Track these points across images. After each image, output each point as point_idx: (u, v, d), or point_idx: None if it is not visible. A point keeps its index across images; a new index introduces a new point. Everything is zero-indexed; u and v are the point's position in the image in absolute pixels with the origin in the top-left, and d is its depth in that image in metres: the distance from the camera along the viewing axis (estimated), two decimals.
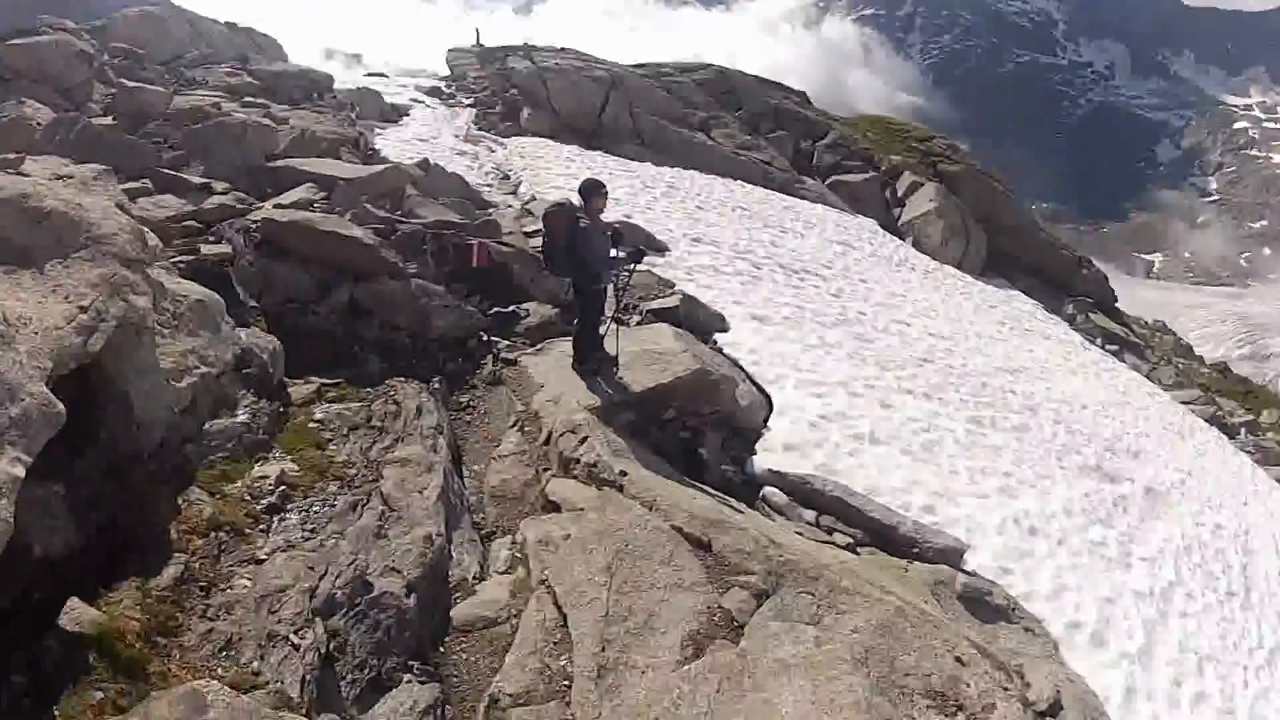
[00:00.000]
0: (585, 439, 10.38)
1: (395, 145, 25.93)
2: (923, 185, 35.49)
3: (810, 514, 11.91)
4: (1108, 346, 31.91)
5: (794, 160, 35.71)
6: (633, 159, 29.39)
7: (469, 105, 33.56)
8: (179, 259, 12.64)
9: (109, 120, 23.34)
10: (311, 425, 10.10)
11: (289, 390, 10.85)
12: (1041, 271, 36.98)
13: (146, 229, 9.45)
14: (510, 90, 33.54)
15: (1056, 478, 15.12)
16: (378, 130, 27.33)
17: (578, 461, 10.17)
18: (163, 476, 8.02)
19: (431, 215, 17.33)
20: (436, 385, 12.06)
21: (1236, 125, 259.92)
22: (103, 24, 33.55)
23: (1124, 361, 30.91)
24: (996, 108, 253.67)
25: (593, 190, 12.02)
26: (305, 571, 7.36)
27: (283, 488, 8.66)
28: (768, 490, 12.20)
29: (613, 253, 12.11)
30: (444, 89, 36.07)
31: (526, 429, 11.70)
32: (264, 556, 7.55)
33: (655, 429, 12.39)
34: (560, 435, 10.69)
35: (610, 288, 12.66)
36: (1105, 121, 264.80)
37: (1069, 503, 14.32)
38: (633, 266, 12.62)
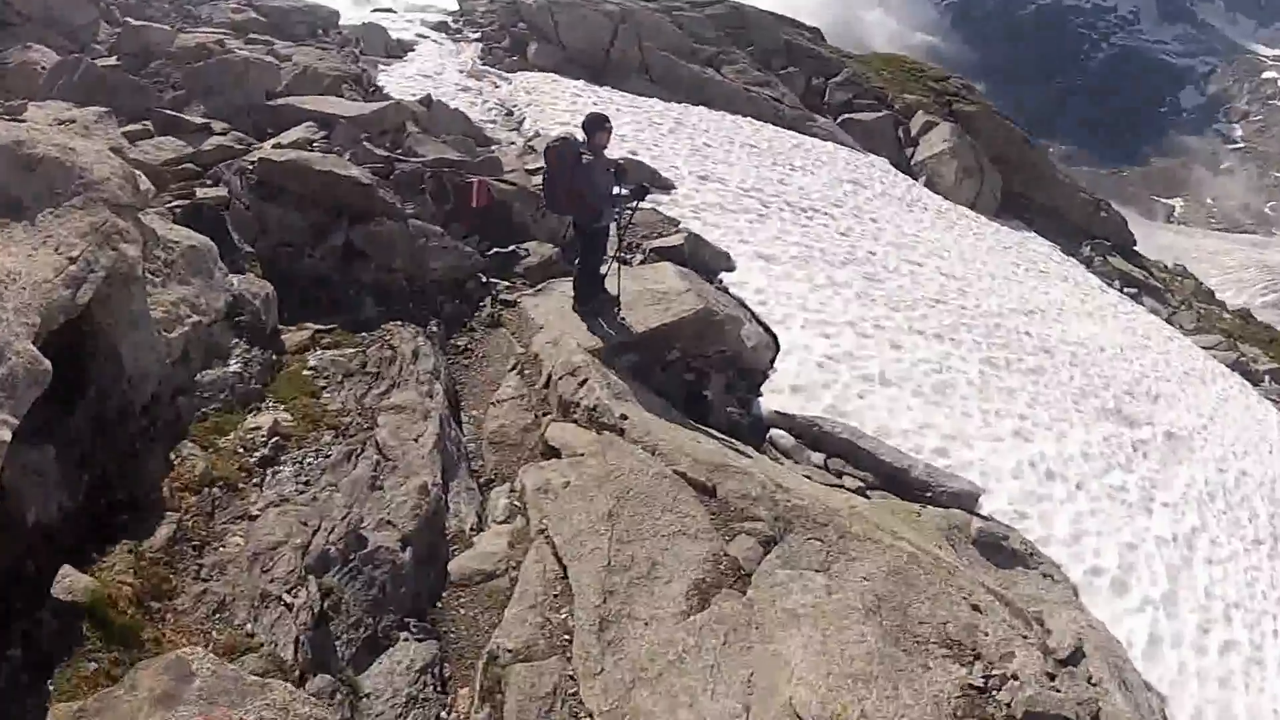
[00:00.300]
0: (585, 381, 10.11)
1: (399, 82, 25.40)
2: (937, 125, 34.67)
3: (819, 457, 11.72)
4: (1126, 290, 31.23)
5: (805, 98, 34.83)
6: (641, 94, 28.78)
7: (475, 40, 32.80)
8: (175, 203, 12.32)
9: (113, 61, 22.96)
10: (305, 373, 9.87)
11: (283, 337, 10.60)
12: (1058, 214, 36.23)
13: (140, 173, 9.15)
14: (518, 24, 32.82)
15: (1074, 421, 14.79)
16: (381, 66, 26.76)
17: (578, 405, 9.91)
18: (155, 432, 7.85)
19: (432, 153, 16.93)
20: (434, 329, 11.82)
21: (1265, 75, 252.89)
22: None
23: (1143, 305, 30.27)
24: (1015, 50, 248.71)
25: (596, 125, 11.66)
26: (298, 527, 7.17)
27: (276, 439, 8.46)
28: (774, 433, 12.02)
29: (616, 190, 11.79)
30: (451, 24, 35.28)
31: (526, 372, 11.44)
32: (257, 512, 7.37)
33: (659, 371, 12.21)
34: (560, 378, 10.42)
35: (613, 226, 12.29)
36: (1128, 66, 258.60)
37: (1087, 446, 14.01)
38: (635, 204, 12.31)
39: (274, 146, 16.03)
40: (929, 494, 11.35)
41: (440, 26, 34.36)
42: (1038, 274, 25.92)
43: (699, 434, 10.12)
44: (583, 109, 24.51)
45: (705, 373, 12.52)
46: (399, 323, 11.27)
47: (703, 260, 15.99)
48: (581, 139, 11.63)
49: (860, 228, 21.40)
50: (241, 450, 8.21)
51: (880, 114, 35.15)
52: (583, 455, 8.87)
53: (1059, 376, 16.63)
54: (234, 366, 9.23)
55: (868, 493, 11.07)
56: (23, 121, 9.09)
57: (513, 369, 11.56)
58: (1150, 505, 13.13)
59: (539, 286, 13.78)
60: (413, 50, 30.05)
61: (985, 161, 34.25)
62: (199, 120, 17.39)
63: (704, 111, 28.68)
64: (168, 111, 17.35)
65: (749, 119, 29.50)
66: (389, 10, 36.78)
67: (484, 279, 13.70)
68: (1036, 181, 36.70)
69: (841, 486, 10.98)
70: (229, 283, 9.88)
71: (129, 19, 25.25)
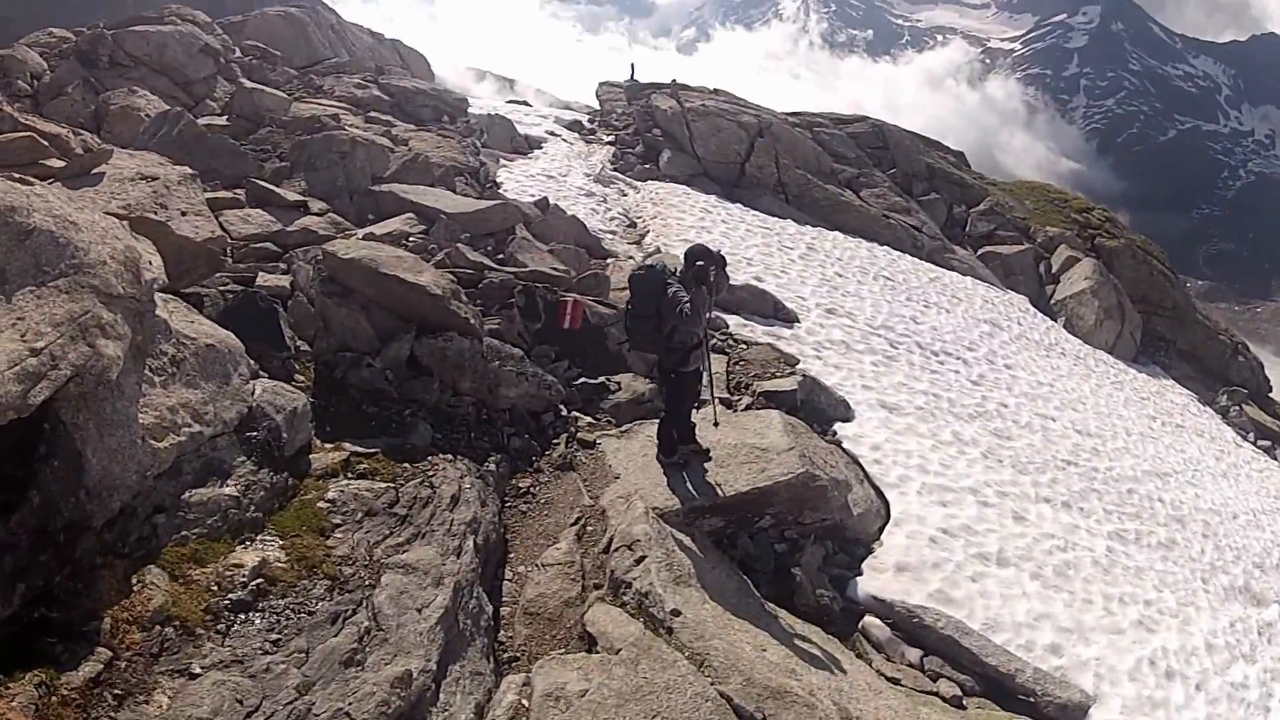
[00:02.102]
0: (642, 560, 8.92)
1: (519, 179, 25.06)
2: (1079, 261, 33.40)
3: (915, 653, 10.52)
4: (1260, 442, 29.16)
5: (945, 227, 33.95)
6: (773, 214, 28.02)
7: (608, 143, 32.49)
8: (229, 287, 11.70)
9: (223, 120, 23.10)
10: (321, 505, 8.90)
11: (312, 456, 9.70)
12: (1196, 357, 34.81)
13: (152, 258, 8.43)
14: (653, 130, 32.36)
15: (1201, 604, 13.68)
16: (503, 161, 26.44)
17: (629, 586, 8.72)
18: (120, 549, 7.10)
19: (534, 263, 16.19)
20: (492, 466, 10.81)
21: None
22: (240, 20, 33.77)
23: (1276, 459, 28.24)
24: (1156, 176, 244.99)
25: (704, 261, 10.36)
26: (230, 704, 6.10)
27: (259, 581, 7.55)
28: (869, 621, 10.79)
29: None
30: (585, 124, 35.16)
31: (589, 529, 10.32)
32: (199, 670, 6.39)
33: (746, 538, 11.06)
34: (616, 549, 9.26)
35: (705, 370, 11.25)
36: (1264, 193, 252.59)
37: (1212, 636, 12.89)
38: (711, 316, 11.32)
39: (365, 237, 15.60)
40: (1033, 701, 10.22)
41: (574, 125, 34.24)
42: (1174, 428, 24.49)
43: (767, 638, 8.79)
44: (711, 226, 24.19)
45: (800, 544, 11.32)
46: (450, 457, 10.30)
47: (818, 408, 14.81)
48: (675, 268, 10.58)
49: (994, 375, 20.38)
50: (215, 588, 7.31)
51: (1022, 247, 34.09)
52: (617, 655, 7.63)
53: (1190, 551, 15.52)
54: (230, 489, 8.28)
55: (964, 699, 9.89)
56: (30, 183, 8.43)
57: (575, 524, 10.46)
58: (1269, 702, 12.05)
59: (624, 428, 12.70)
60: (540, 148, 29.76)
61: (1126, 301, 32.96)
62: (295, 196, 17.08)
63: (838, 237, 27.86)
64: (263, 183, 17.00)
65: (885, 248, 28.62)
66: (524, 103, 36.89)
67: (563, 412, 12.72)
68: (1176, 323, 35.35)
69: (936, 693, 9.80)
70: (248, 391, 9.01)
71: (244, 80, 25.42)
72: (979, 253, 33.25)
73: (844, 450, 13.71)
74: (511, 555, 10.18)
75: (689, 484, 10.95)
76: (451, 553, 8.56)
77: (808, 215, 29.16)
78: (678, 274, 10.42)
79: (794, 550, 11.19)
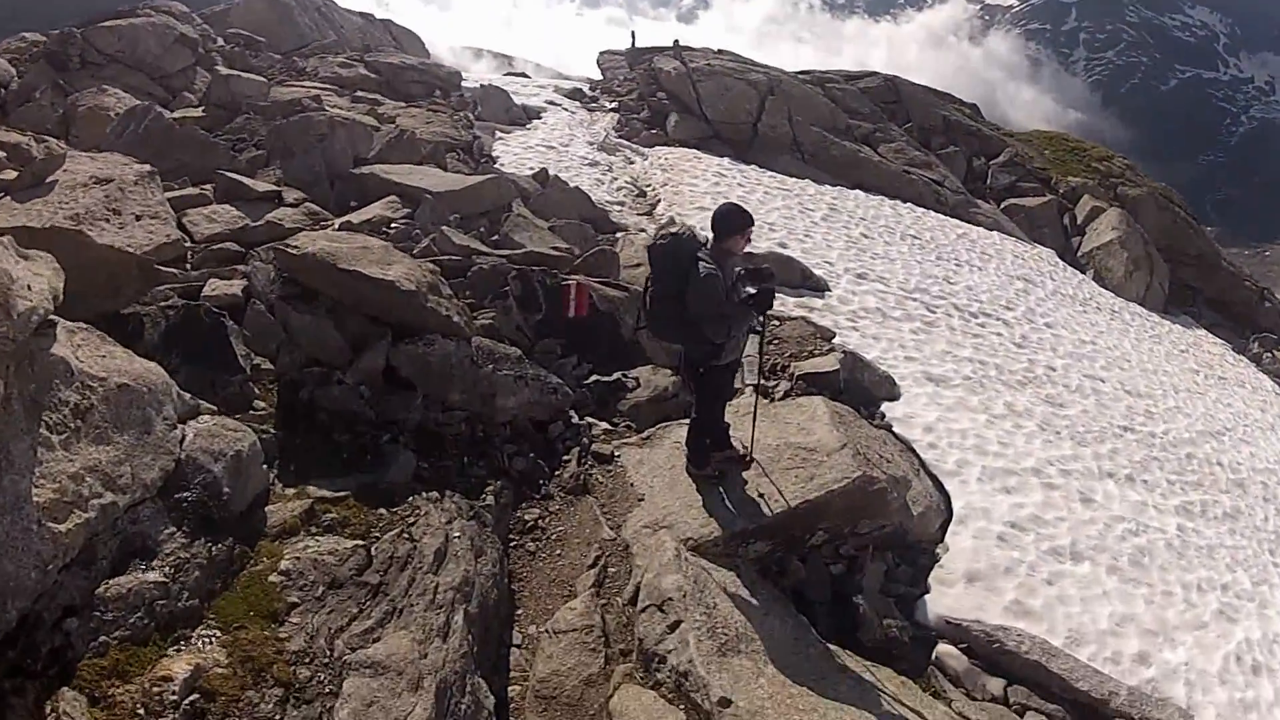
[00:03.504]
0: (676, 625, 6.85)
1: (517, 152, 22.92)
2: (1104, 211, 31.36)
3: (998, 684, 8.76)
4: None
5: (966, 180, 31.93)
6: (791, 174, 25.91)
7: (611, 110, 30.22)
8: (170, 302, 9.61)
9: (199, 111, 21.08)
10: (274, 579, 6.87)
11: (269, 509, 7.66)
12: (1224, 305, 32.63)
13: (31, 282, 6.30)
14: (657, 94, 30.18)
15: (1274, 580, 12.24)
16: (499, 134, 24.27)
17: (663, 661, 6.73)
18: (31, 667, 5.45)
19: (533, 243, 14.07)
20: (490, 499, 8.75)
21: None
22: (223, 9, 31.60)
23: None
24: (1162, 126, 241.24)
25: (731, 223, 8.25)
26: None
27: (194, 697, 5.67)
28: (943, 651, 8.91)
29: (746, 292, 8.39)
30: (586, 91, 32.83)
31: (610, 570, 8.37)
32: None
33: (796, 562, 9.06)
34: (645, 609, 7.19)
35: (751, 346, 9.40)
36: (1267, 139, 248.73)
37: None
38: (763, 322, 8.99)
39: (342, 226, 13.77)
40: None
41: (574, 94, 31.97)
42: (1217, 380, 22.73)
43: (839, 715, 6.71)
44: (726, 191, 22.12)
45: (859, 560, 9.35)
46: (435, 496, 8.29)
47: (862, 387, 12.85)
48: (705, 238, 8.40)
49: (1036, 336, 18.59)
50: (141, 712, 5.46)
51: (1045, 199, 32.02)
52: None
53: (1254, 519, 14.00)
54: (157, 573, 6.28)
55: None
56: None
57: (594, 565, 8.49)
58: None
59: (647, 434, 10.63)
60: (539, 118, 27.51)
61: (1154, 251, 30.96)
62: (267, 187, 15.15)
63: (860, 195, 25.86)
64: (232, 175, 14.96)
65: (908, 204, 26.62)
66: (522, 75, 34.59)
67: (574, 419, 10.63)
68: (1203, 271, 33.20)
69: None
70: (174, 439, 6.95)
71: (220, 68, 23.24)
72: (1002, 206, 31.28)
73: (896, 436, 11.80)
74: (519, 612, 8.18)
75: (727, 501, 8.98)
76: (436, 634, 6.52)
77: (826, 174, 27.16)
78: (708, 245, 8.21)
79: (852, 570, 9.29)
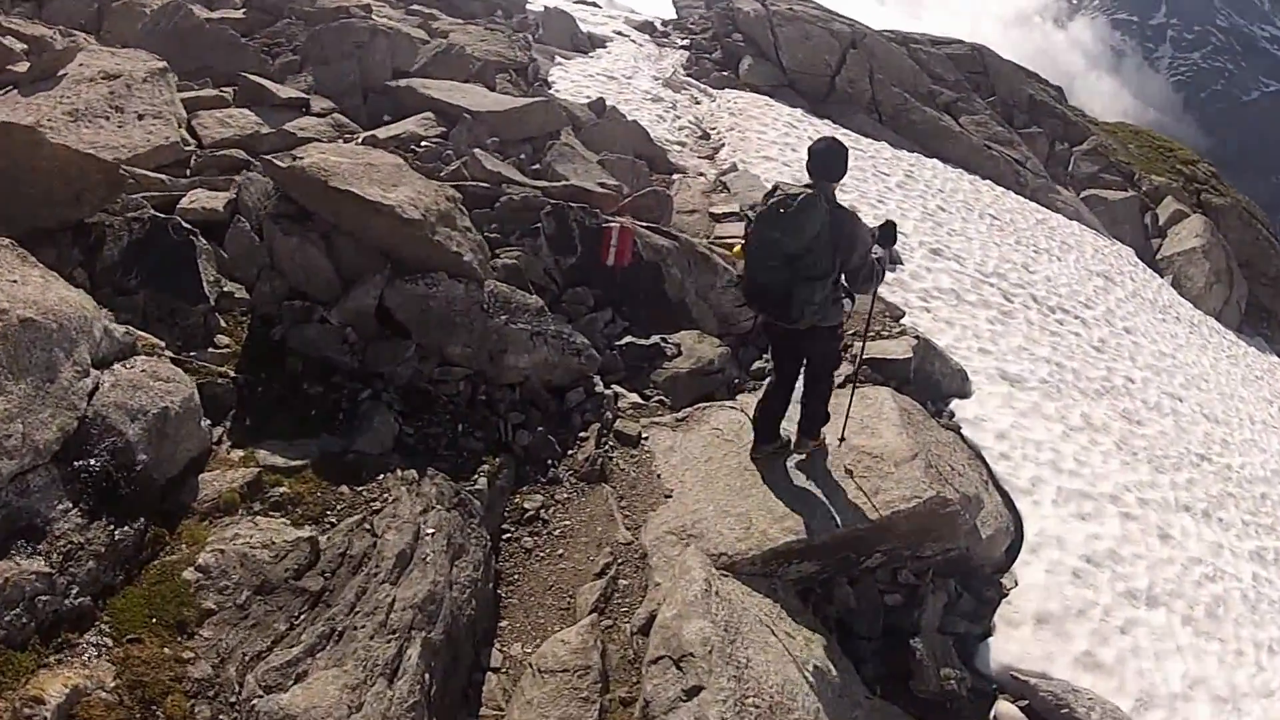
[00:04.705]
0: (696, 691, 5.19)
1: (575, 79, 21.13)
2: (1188, 216, 29.30)
3: None
4: None
5: (1047, 164, 29.94)
6: (866, 134, 24.06)
7: (682, 46, 28.21)
8: (138, 213, 7.99)
9: (239, 14, 19.44)
10: (188, 575, 5.29)
11: (202, 478, 6.03)
12: None
13: None
14: (733, 35, 28.12)
15: None
16: (559, 59, 22.44)
17: None
18: None
19: (577, 176, 12.34)
20: (482, 483, 7.10)
21: None
22: None
23: None
24: (1240, 137, 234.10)
25: (845, 164, 7.09)
26: None
27: None
28: (1002, 710, 7.51)
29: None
30: (658, 26, 30.79)
31: (621, 584, 6.79)
32: None
33: (845, 586, 7.57)
34: (656, 660, 5.54)
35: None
36: None
37: None
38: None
39: (365, 141, 12.43)
40: None
41: (644, 27, 29.93)
42: None
43: None
44: (795, 143, 20.24)
45: (918, 591, 7.82)
46: (412, 475, 6.62)
47: (932, 379, 11.15)
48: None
49: (1115, 341, 17.01)
50: None
51: (1127, 194, 29.88)
52: None
53: None
54: (42, 561, 4.77)
55: None
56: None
57: (600, 575, 6.86)
58: None
59: (682, 414, 8.89)
60: (604, 47, 25.62)
61: (1235, 266, 28.83)
62: (292, 94, 13.77)
63: (938, 165, 24.02)
64: (256, 79, 13.44)
65: (988, 181, 24.78)
66: (592, 4, 32.55)
67: (598, 387, 8.90)
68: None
69: None
70: (80, 391, 5.34)
71: None
72: (1082, 195, 29.29)
73: (965, 441, 10.18)
74: (503, 624, 6.55)
75: (775, 502, 7.30)
76: (380, 674, 4.94)
77: (904, 138, 25.30)
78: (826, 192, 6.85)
79: (909, 602, 7.77)
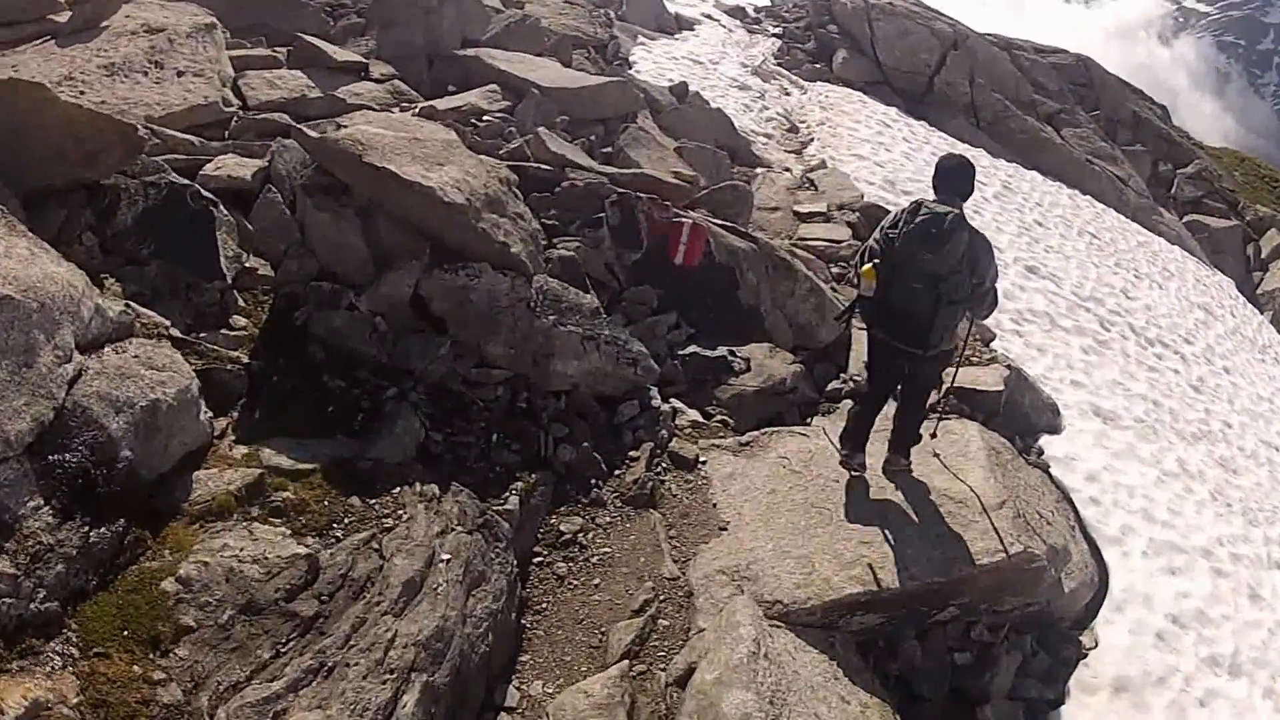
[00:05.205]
0: None
1: (658, 61, 20.82)
2: None
3: None
4: None
5: (1149, 184, 29.46)
6: (963, 140, 23.76)
7: (774, 34, 27.90)
8: (155, 178, 7.68)
9: None
10: (167, 587, 4.93)
11: (197, 475, 5.69)
12: None
13: None
14: (828, 25, 27.90)
15: None
16: (642, 39, 22.13)
17: None
18: None
19: (651, 163, 11.95)
20: (512, 503, 6.68)
21: None
22: None
23: None
24: None
25: (974, 182, 7.25)
26: None
27: None
28: None
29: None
30: (749, 11, 30.43)
31: (661, 625, 6.37)
32: None
33: (912, 641, 7.19)
34: None
35: None
36: None
37: None
38: None
39: (421, 111, 11.92)
40: None
41: (735, 11, 29.66)
42: None
43: None
44: (890, 143, 20.14)
45: (990, 649, 7.43)
46: (433, 491, 6.22)
47: (1021, 411, 10.76)
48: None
49: (1214, 380, 16.58)
50: None
51: (1230, 223, 29.29)
52: None
53: None
54: (6, 563, 4.55)
55: None
56: None
57: (640, 612, 6.37)
58: None
59: (747, 438, 8.41)
60: (691, 29, 25.35)
61: None
62: (350, 57, 13.53)
63: (1036, 178, 23.80)
64: (313, 40, 13.25)
65: (1088, 198, 24.54)
66: None
67: (654, 400, 8.44)
68: None
69: None
70: (59, 378, 5.01)
71: None
72: (1184, 220, 28.80)
73: (1054, 481, 9.87)
74: (525, 658, 6.15)
75: (840, 543, 6.87)
76: None
77: (1002, 147, 25.14)
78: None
79: (981, 661, 7.37)
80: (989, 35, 30.94)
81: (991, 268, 7.01)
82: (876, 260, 6.94)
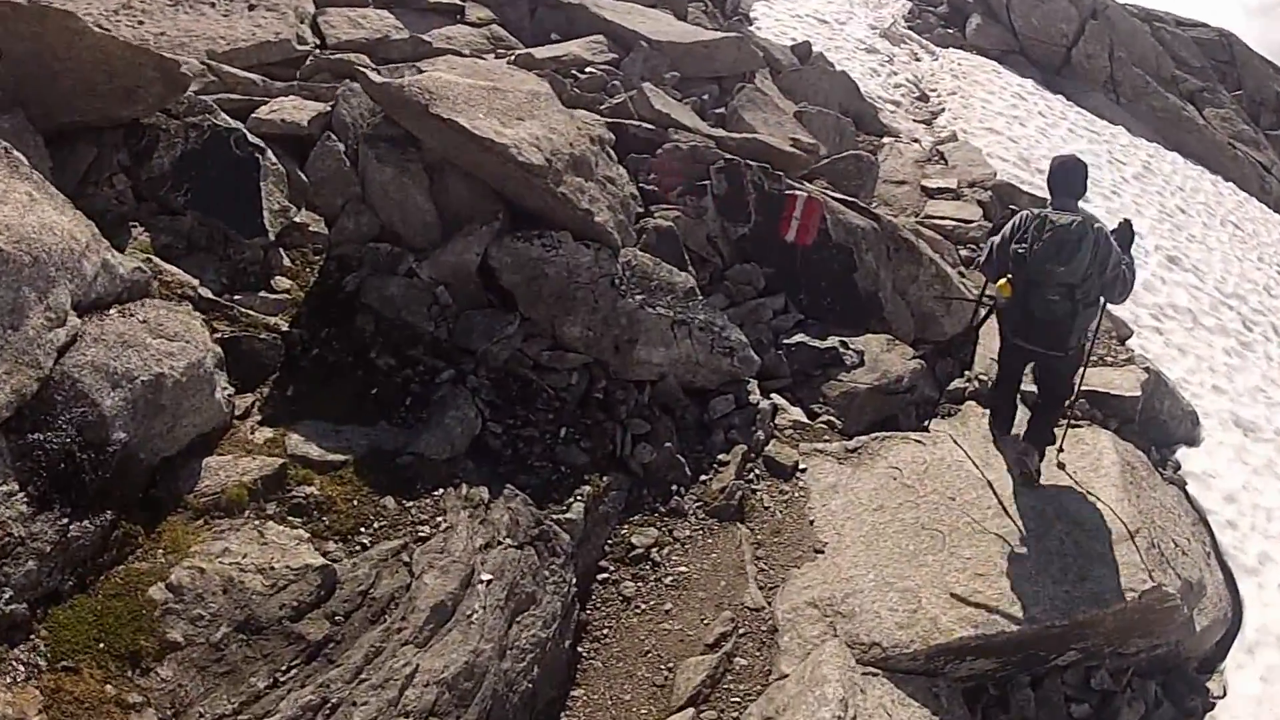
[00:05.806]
0: None
1: (780, 18, 20.17)
2: None
3: None
4: None
5: None
6: (1101, 116, 23.06)
7: None
8: (198, 119, 7.15)
9: None
10: (154, 595, 4.39)
11: (208, 463, 5.19)
12: None
13: None
14: None
15: None
16: None
17: None
18: None
19: (766, 128, 11.28)
20: (575, 511, 6.01)
21: None
22: None
23: None
24: None
25: (1084, 180, 7.45)
26: None
27: None
28: None
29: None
30: None
31: (738, 664, 5.78)
32: None
33: (1026, 690, 6.54)
34: None
35: None
36: None
37: None
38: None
39: (517, 60, 11.34)
40: None
41: None
42: None
43: None
44: (1025, 117, 19.51)
45: (1112, 700, 6.77)
46: (484, 495, 5.58)
47: (1157, 420, 9.99)
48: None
49: None
50: None
51: None
52: None
53: None
54: None
55: None
56: None
57: (714, 647, 5.73)
58: None
59: (855, 443, 7.71)
60: None
61: None
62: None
63: (1178, 160, 22.90)
64: None
65: (1230, 185, 23.56)
66: None
67: (752, 395, 7.73)
68: None
69: None
70: (48, 344, 4.48)
71: None
72: None
73: (1190, 500, 9.11)
74: (578, 693, 5.53)
75: (951, 575, 6.27)
76: None
77: (1142, 125, 24.29)
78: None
79: (1100, 714, 6.75)
80: (1129, 5, 30.46)
81: (1113, 254, 7.04)
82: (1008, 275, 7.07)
